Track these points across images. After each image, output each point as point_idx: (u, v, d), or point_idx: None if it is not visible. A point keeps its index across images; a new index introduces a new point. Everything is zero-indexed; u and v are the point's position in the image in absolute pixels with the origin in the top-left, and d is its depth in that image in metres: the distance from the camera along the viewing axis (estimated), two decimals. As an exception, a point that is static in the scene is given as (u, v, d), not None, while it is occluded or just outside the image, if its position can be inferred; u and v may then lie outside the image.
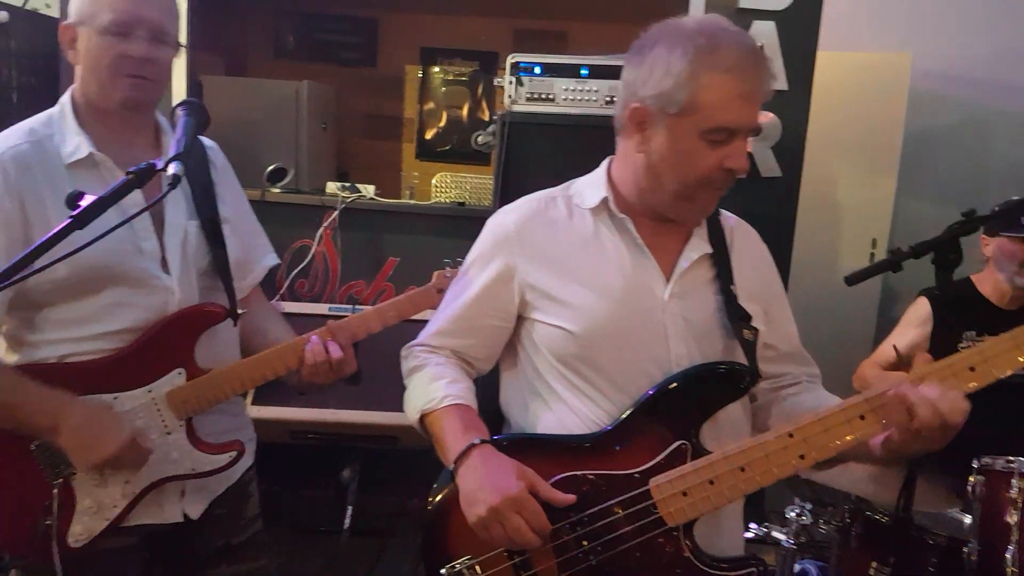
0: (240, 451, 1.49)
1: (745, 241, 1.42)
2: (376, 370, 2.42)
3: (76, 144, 1.39)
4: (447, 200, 3.03)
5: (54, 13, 2.82)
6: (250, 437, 1.65)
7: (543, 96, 2.37)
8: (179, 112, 1.33)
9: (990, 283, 2.51)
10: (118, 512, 1.42)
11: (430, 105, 3.76)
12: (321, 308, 2.63)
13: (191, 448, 1.45)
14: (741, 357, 1.29)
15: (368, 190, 2.87)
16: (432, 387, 1.33)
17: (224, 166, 1.63)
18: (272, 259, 1.71)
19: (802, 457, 1.17)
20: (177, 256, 1.44)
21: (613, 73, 2.36)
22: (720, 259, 1.35)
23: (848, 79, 3.21)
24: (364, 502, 2.46)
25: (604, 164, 1.39)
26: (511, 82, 2.37)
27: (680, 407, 1.25)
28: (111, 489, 1.40)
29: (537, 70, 2.37)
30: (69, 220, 1.06)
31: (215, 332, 1.47)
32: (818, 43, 2.74)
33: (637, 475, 1.23)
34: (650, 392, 1.25)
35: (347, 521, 2.40)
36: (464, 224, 2.71)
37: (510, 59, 2.41)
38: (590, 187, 1.37)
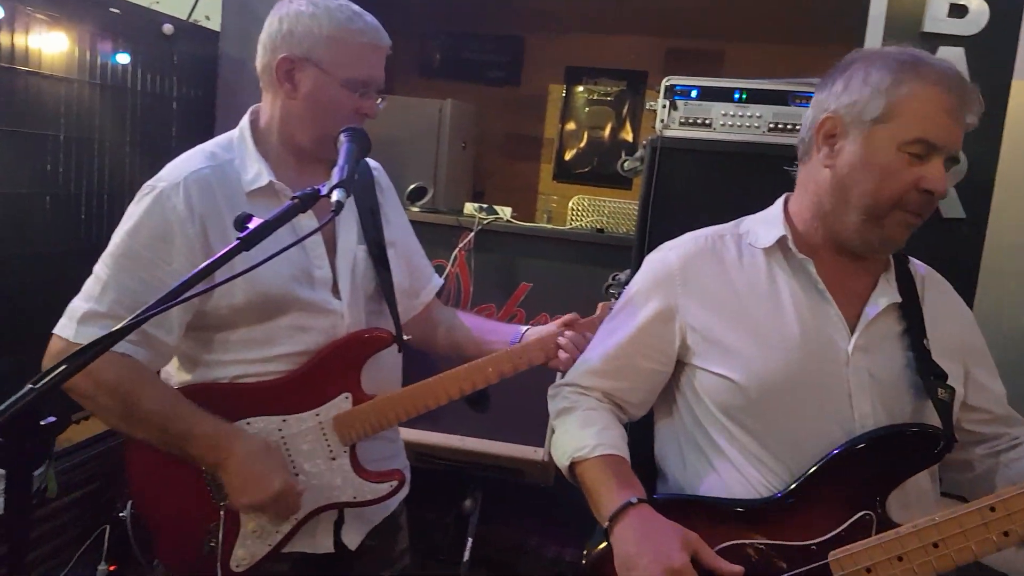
0: (401, 481, 1.49)
1: (938, 293, 1.34)
2: (505, 401, 2.42)
3: (256, 171, 1.41)
4: (584, 225, 2.96)
5: (214, 26, 2.99)
6: (406, 464, 1.65)
7: (699, 121, 2.27)
8: (342, 139, 1.32)
9: None
10: (281, 537, 1.43)
11: (571, 125, 3.70)
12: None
13: (354, 475, 1.45)
14: (933, 419, 1.19)
15: (505, 212, 2.84)
16: (583, 434, 1.30)
17: (389, 187, 1.65)
18: (438, 281, 1.74)
19: (1006, 534, 1.07)
20: (347, 281, 1.46)
21: (777, 98, 2.23)
22: (911, 310, 1.26)
23: (1047, 111, 2.84)
24: (485, 533, 2.45)
25: (780, 201, 1.34)
26: (664, 105, 2.27)
27: (865, 473, 1.16)
28: None
29: (694, 93, 2.28)
30: (236, 242, 1.06)
31: (379, 358, 1.48)
32: (1013, 72, 2.43)
33: (814, 547, 1.15)
34: (832, 454, 1.17)
35: (467, 553, 2.35)
36: (602, 252, 2.67)
37: (665, 81, 2.32)
38: (764, 225, 1.32)
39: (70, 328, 1.32)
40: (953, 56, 2.43)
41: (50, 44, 2.30)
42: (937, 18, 2.43)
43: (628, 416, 1.39)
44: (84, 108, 2.46)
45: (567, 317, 1.53)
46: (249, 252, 1.06)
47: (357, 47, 1.39)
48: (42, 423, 1.35)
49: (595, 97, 3.64)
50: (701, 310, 1.28)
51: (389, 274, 1.53)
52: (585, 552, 1.25)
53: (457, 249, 2.78)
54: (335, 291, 1.45)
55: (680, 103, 2.28)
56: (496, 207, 2.86)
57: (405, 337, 1.57)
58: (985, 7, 2.43)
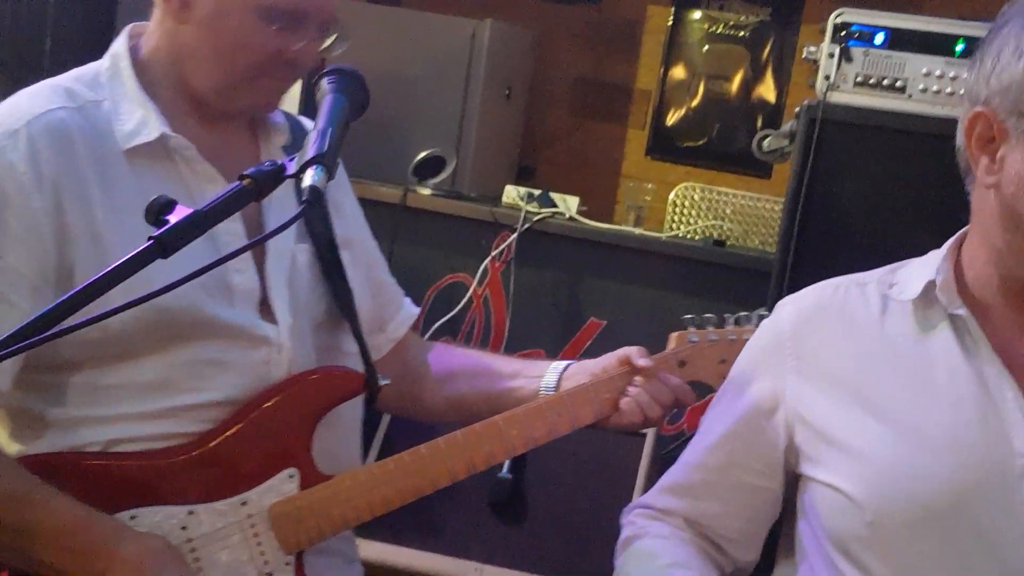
0: None
1: None
2: (549, 505, 2.41)
3: (140, 120, 1.43)
4: (694, 232, 2.97)
5: None
6: None
7: (887, 83, 2.32)
8: (325, 85, 1.35)
9: None
10: None
11: (680, 73, 3.69)
12: None
13: None
14: None
15: (569, 204, 2.86)
16: (645, 568, 1.38)
17: (342, 179, 1.68)
18: (411, 308, 1.81)
19: None
20: (284, 296, 1.49)
21: None
22: None
23: None
24: None
25: (952, 240, 1.40)
26: (832, 54, 2.33)
27: None
28: None
29: (879, 38, 2.34)
30: (150, 242, 1.04)
31: (337, 414, 1.51)
32: None
33: None
34: None
35: None
36: (721, 275, 2.73)
37: (834, 17, 2.35)
38: (921, 267, 1.38)
39: None
40: None
41: None
42: None
43: (729, 559, 1.44)
44: None
45: (630, 350, 1.59)
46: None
47: None
48: None
49: (719, 31, 3.63)
50: (815, 393, 1.35)
51: (347, 287, 1.57)
52: None
53: (488, 258, 2.79)
54: (265, 310, 1.48)
55: (858, 52, 2.33)
56: (554, 195, 2.87)
57: (382, 381, 1.60)
58: None
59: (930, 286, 1.32)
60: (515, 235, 2.76)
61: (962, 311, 1.30)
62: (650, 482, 2.34)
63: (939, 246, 1.44)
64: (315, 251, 1.55)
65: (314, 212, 1.43)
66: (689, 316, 1.66)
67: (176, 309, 1.37)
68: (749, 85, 3.60)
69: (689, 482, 1.45)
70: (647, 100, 3.69)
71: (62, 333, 1.00)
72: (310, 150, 1.21)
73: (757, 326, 1.58)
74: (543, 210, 2.81)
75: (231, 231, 1.40)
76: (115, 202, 1.34)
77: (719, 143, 3.59)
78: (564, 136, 3.74)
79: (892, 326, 1.35)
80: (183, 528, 1.41)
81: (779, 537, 1.48)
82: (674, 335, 1.65)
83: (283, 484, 1.45)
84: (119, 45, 1.50)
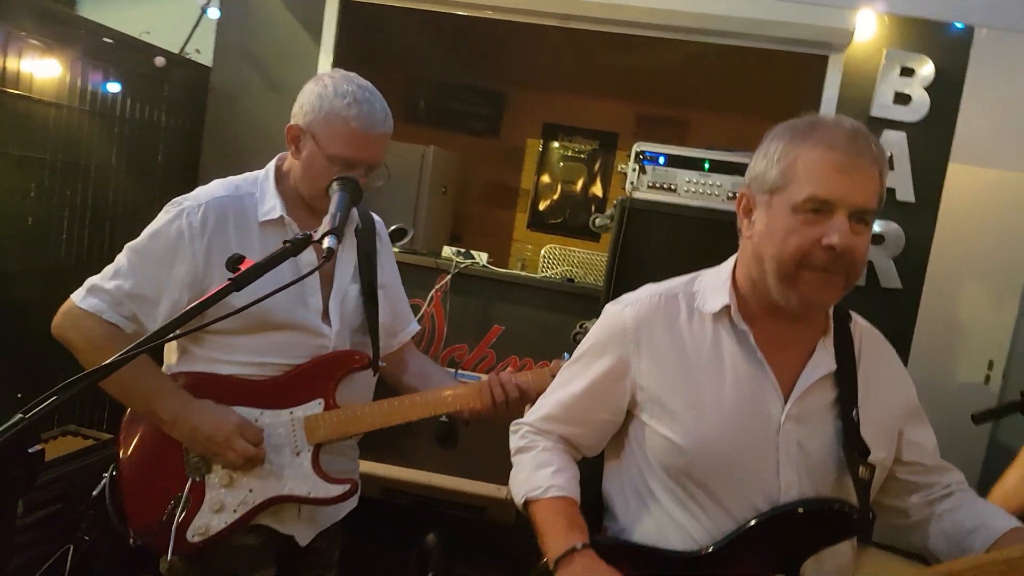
0: (354, 487, 1.55)
1: (875, 355, 1.30)
2: (472, 440, 2.41)
3: (271, 206, 1.53)
4: (555, 274, 2.97)
5: (205, 60, 2.97)
6: (358, 482, 1.68)
7: (665, 186, 2.33)
8: (335, 187, 1.37)
9: None
10: (236, 517, 1.50)
11: (546, 178, 3.79)
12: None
13: (312, 472, 1.52)
14: (851, 495, 1.18)
15: (481, 257, 2.83)
16: (538, 475, 1.31)
17: (387, 239, 1.76)
18: (415, 326, 1.81)
19: None
20: (337, 313, 1.56)
21: (736, 169, 2.30)
22: (846, 378, 1.24)
23: (979, 195, 2.97)
24: (444, 570, 2.39)
25: (730, 263, 1.32)
26: (634, 169, 2.33)
27: (783, 540, 1.17)
28: (236, 493, 1.50)
29: (661, 160, 2.34)
30: (228, 282, 1.12)
31: (355, 379, 1.58)
32: (950, 156, 2.56)
33: None
34: (753, 522, 1.18)
35: (427, 588, 2.30)
36: (571, 300, 2.66)
37: (635, 147, 2.36)
38: (713, 290, 1.30)
39: (79, 293, 1.48)
40: (896, 139, 2.60)
41: (42, 69, 2.26)
42: (884, 104, 2.58)
43: (582, 455, 1.40)
44: (73, 133, 2.42)
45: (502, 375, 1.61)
46: (251, 285, 1.13)
47: (345, 130, 1.48)
48: (29, 451, 1.34)
49: (570, 153, 3.73)
50: (650, 369, 1.27)
51: (376, 311, 1.62)
52: None
53: (434, 290, 2.76)
54: (326, 319, 1.55)
55: (649, 168, 2.34)
56: (473, 252, 2.85)
57: (381, 364, 1.65)
58: (926, 97, 2.58)
59: (726, 308, 1.25)
60: (449, 276, 2.74)
61: (744, 329, 1.24)
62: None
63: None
64: (360, 288, 1.61)
65: (365, 265, 1.62)
66: (578, 336, 1.64)
67: (276, 312, 1.48)
68: (587, 186, 3.69)
69: (561, 416, 1.37)
70: (528, 196, 3.77)
71: (194, 330, 1.29)
72: (325, 226, 1.25)
73: None
74: (466, 261, 2.79)
75: (309, 269, 1.46)
76: (247, 251, 1.36)
77: (570, 221, 3.67)
78: (478, 217, 3.77)
79: (697, 329, 1.27)
80: (256, 420, 1.52)
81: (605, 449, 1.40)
82: (556, 361, 1.61)
83: (314, 406, 1.53)
84: (271, 163, 1.58)
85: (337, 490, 1.53)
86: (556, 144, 3.75)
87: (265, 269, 1.15)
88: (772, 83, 2.99)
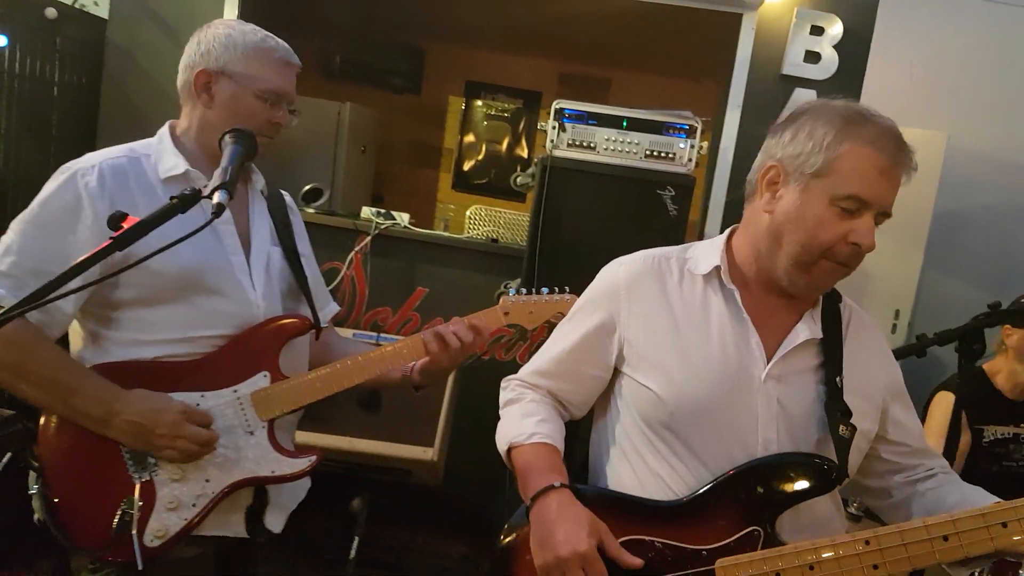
0: (319, 457, 1.49)
1: (862, 333, 1.33)
2: (395, 403, 2.40)
3: (173, 163, 1.46)
4: (480, 234, 2.97)
5: (102, 12, 2.81)
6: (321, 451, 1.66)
7: (585, 144, 2.34)
8: (227, 139, 1.32)
9: (1003, 374, 2.37)
10: (196, 512, 1.42)
11: (470, 138, 3.74)
12: (345, 333, 2.55)
13: (271, 450, 1.46)
14: (832, 452, 1.21)
15: (403, 218, 2.80)
16: (523, 423, 1.33)
17: (299, 215, 1.71)
18: (335, 306, 1.76)
19: (875, 567, 1.09)
20: (261, 275, 1.50)
21: (654, 127, 2.34)
22: (831, 347, 1.26)
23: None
24: (372, 534, 2.38)
25: (726, 233, 1.35)
26: (554, 127, 2.34)
27: (758, 493, 1.19)
28: (191, 486, 1.42)
29: (580, 118, 2.36)
30: (109, 241, 1.07)
31: (294, 345, 1.52)
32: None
33: (704, 552, 1.19)
34: (729, 473, 1.20)
35: (353, 551, 2.30)
36: (496, 260, 2.69)
37: (555, 104, 2.36)
38: (706, 253, 1.32)
39: None
40: (805, 96, 2.64)
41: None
42: (794, 63, 2.63)
43: (570, 414, 1.41)
44: None
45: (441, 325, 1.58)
46: (148, 240, 1.07)
47: (270, 62, 1.47)
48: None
49: (493, 112, 3.69)
50: (638, 325, 1.29)
51: (304, 273, 1.59)
52: (505, 527, 1.28)
53: (353, 252, 2.72)
54: (251, 283, 1.49)
55: (568, 126, 2.35)
56: (394, 212, 2.81)
57: (322, 325, 1.60)
58: (835, 56, 2.65)
59: (716, 269, 1.28)
60: (369, 237, 2.71)
61: (732, 287, 1.26)
62: (453, 389, 2.39)
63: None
64: (282, 252, 1.56)
65: (283, 231, 1.57)
66: (502, 295, 1.63)
67: (196, 271, 1.40)
68: (512, 146, 3.67)
69: (551, 370, 1.37)
70: (451, 155, 3.73)
71: (100, 280, 1.16)
72: (217, 179, 1.20)
73: (552, 294, 1.61)
74: (387, 222, 2.76)
75: (227, 230, 1.45)
76: (151, 208, 1.32)
77: (495, 181, 3.65)
78: (401, 177, 3.70)
79: (687, 289, 1.29)
80: (196, 405, 1.42)
81: (594, 406, 1.42)
82: (502, 297, 1.63)
83: (259, 380, 1.46)
84: (163, 129, 1.52)
85: (303, 463, 1.46)
86: (479, 103, 3.71)
87: (151, 227, 1.10)
88: (691, 43, 3.02)
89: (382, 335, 2.65)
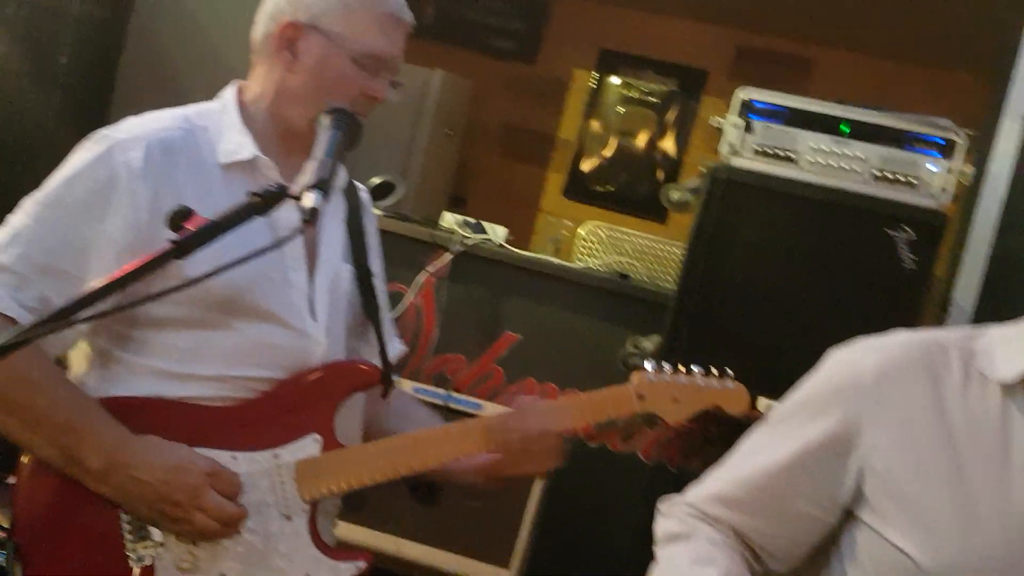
0: (368, 563, 1.53)
1: None
2: (462, 497, 2.31)
3: (238, 144, 1.52)
4: (599, 264, 2.91)
5: None
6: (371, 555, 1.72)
7: (780, 153, 2.29)
8: (325, 121, 1.37)
9: None
10: None
11: (596, 127, 3.69)
12: (403, 385, 2.50)
13: (310, 544, 1.49)
14: None
15: (497, 233, 2.78)
16: (695, 574, 1.28)
17: (372, 216, 1.78)
18: (399, 347, 1.82)
19: None
20: (325, 300, 1.56)
21: (891, 137, 2.27)
22: None
23: None
24: None
25: None
26: (737, 125, 2.30)
27: None
28: None
29: (777, 115, 2.31)
30: (169, 245, 1.12)
31: (352, 401, 1.57)
32: None
33: None
34: None
35: None
36: (622, 304, 2.64)
37: (739, 93, 2.33)
38: (1008, 346, 1.23)
39: None
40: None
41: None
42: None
43: (763, 568, 1.34)
44: None
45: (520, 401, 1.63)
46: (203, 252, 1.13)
47: (375, 17, 1.52)
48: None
49: (634, 94, 3.62)
50: (893, 447, 1.21)
51: (376, 304, 1.64)
52: None
53: (424, 273, 2.70)
54: (311, 310, 1.54)
55: (758, 125, 2.30)
56: (486, 224, 2.79)
57: (395, 378, 1.67)
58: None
59: None
60: (449, 256, 2.68)
61: None
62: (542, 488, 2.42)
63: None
64: (354, 271, 1.63)
65: (357, 241, 1.66)
66: (632, 359, 1.65)
67: (245, 288, 1.45)
68: (654, 142, 3.59)
69: (742, 498, 1.32)
70: (568, 149, 3.68)
71: (108, 313, 1.22)
72: (311, 176, 1.24)
73: (710, 378, 1.59)
74: (477, 236, 2.72)
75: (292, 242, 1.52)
76: (206, 203, 1.35)
77: (626, 190, 3.59)
78: (491, 173, 3.69)
79: (976, 399, 1.22)
80: (181, 446, 1.45)
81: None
82: (635, 372, 1.61)
83: (308, 446, 1.49)
84: (228, 92, 1.59)
85: (347, 569, 1.49)
86: (616, 80, 3.64)
87: (222, 230, 1.14)
88: (941, 10, 2.88)
89: (451, 394, 2.65)
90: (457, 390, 2.67)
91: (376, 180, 2.78)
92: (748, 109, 2.29)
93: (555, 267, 2.75)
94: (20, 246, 1.40)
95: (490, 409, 2.67)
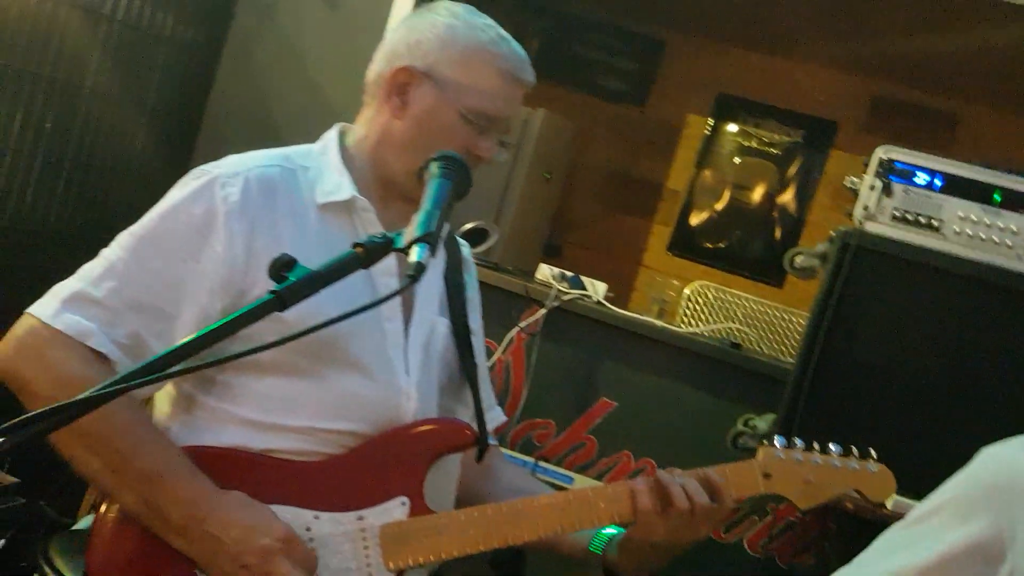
0: None
1: None
2: (546, 568, 2.23)
3: (336, 184, 1.57)
4: (707, 329, 2.86)
5: None
6: None
7: (923, 221, 2.25)
8: (435, 169, 1.37)
9: None
10: None
11: (709, 177, 3.68)
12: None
13: None
14: None
15: (598, 289, 2.77)
16: None
17: (474, 270, 1.82)
18: (499, 414, 1.86)
19: None
20: (419, 355, 1.59)
21: None
22: None
23: None
24: None
25: None
26: (873, 186, 2.26)
27: None
28: None
29: (922, 178, 2.27)
30: (270, 296, 1.12)
31: (444, 464, 1.59)
32: None
33: None
34: None
35: None
36: (732, 378, 2.62)
37: (880, 152, 2.29)
38: None
39: (50, 306, 1.44)
40: None
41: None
42: None
43: None
44: (39, 30, 2.47)
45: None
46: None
47: (494, 72, 1.56)
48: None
49: (753, 144, 3.61)
50: None
51: (473, 362, 1.67)
52: None
53: (516, 329, 2.71)
54: (405, 363, 1.57)
55: (898, 188, 2.26)
56: (584, 278, 2.79)
57: (491, 442, 1.70)
58: None
59: None
60: (543, 311, 2.68)
61: None
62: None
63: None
64: (451, 326, 1.66)
65: (454, 295, 1.70)
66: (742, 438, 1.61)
67: (338, 335, 1.46)
68: (772, 198, 3.57)
69: None
70: (676, 200, 3.67)
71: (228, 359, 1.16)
72: (417, 229, 1.23)
73: (849, 458, 1.56)
74: (573, 291, 2.73)
75: (387, 284, 1.53)
76: (301, 242, 1.46)
77: (739, 248, 3.56)
78: (590, 223, 3.71)
79: None
80: (307, 529, 1.48)
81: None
82: (762, 447, 1.60)
83: (396, 509, 1.50)
84: (331, 133, 1.65)
85: None
86: (733, 127, 3.63)
87: (324, 282, 1.16)
88: None
89: (538, 464, 2.66)
90: (545, 459, 2.68)
91: (468, 226, 2.79)
92: (888, 170, 2.25)
93: (658, 330, 2.70)
94: (114, 280, 1.45)
95: (581, 482, 2.66)
